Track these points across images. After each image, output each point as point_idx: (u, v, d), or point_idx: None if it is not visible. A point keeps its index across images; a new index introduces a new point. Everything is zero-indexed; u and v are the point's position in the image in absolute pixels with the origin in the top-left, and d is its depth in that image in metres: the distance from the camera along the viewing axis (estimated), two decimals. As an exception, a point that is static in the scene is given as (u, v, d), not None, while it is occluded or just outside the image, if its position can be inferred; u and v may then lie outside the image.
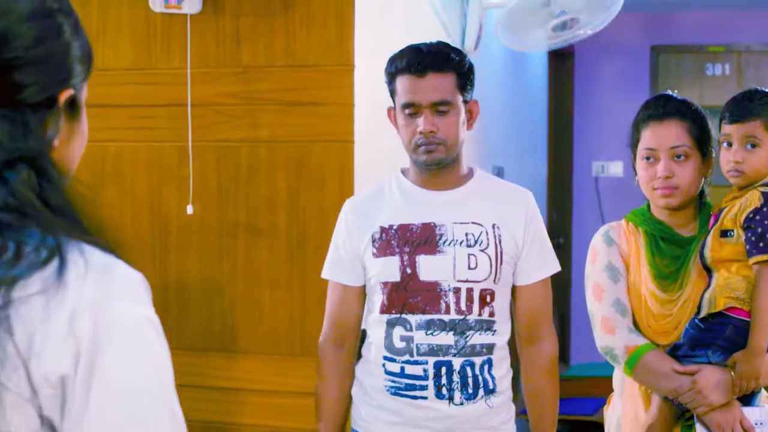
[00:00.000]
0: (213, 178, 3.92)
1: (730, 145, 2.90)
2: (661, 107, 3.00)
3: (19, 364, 1.15)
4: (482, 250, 2.89)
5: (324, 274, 3.09)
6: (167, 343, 1.37)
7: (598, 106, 8.47)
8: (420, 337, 2.88)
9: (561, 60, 8.34)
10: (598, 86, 8.52)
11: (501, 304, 2.94)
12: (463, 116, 2.92)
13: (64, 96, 1.33)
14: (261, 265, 3.87)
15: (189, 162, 3.90)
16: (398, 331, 2.91)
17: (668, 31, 8.49)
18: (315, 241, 3.79)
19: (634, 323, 2.98)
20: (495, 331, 2.92)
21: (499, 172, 6.05)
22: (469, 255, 2.88)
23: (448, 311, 2.87)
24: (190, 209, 3.87)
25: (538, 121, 7.89)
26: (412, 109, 2.88)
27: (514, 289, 3.00)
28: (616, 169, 8.38)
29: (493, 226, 2.92)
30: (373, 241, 2.95)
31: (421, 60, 2.86)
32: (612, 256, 3.02)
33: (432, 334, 2.87)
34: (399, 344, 2.91)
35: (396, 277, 2.90)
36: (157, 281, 3.96)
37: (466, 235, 2.90)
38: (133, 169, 4.01)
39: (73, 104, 1.35)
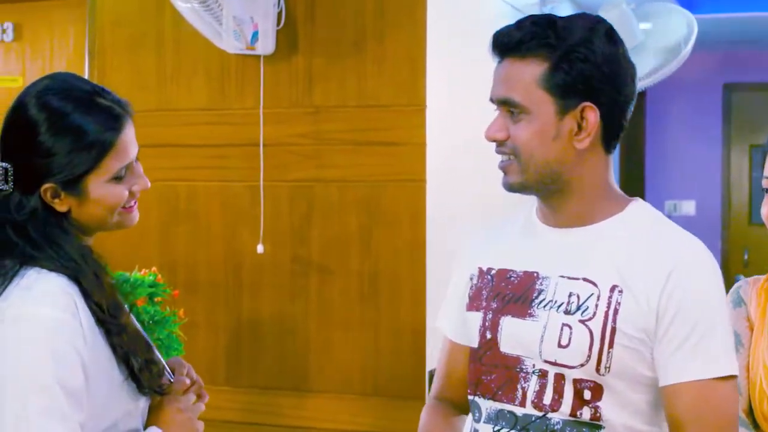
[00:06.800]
0: (285, 217, 3.93)
1: None
2: None
3: None
4: (583, 321, 1.92)
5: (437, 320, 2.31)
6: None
7: (670, 144, 8.40)
8: None
9: (632, 98, 8.29)
10: (670, 125, 8.45)
11: (619, 408, 1.94)
12: (554, 126, 1.95)
13: (45, 186, 1.93)
14: (333, 304, 3.87)
15: (260, 201, 3.92)
16: (470, 421, 2.10)
17: (740, 69, 8.40)
18: (387, 280, 3.78)
19: (749, 410, 2.21)
20: None
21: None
22: (562, 326, 1.93)
23: (523, 402, 1.97)
24: (260, 248, 3.88)
25: (609, 160, 7.84)
26: (495, 105, 2.03)
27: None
28: (688, 207, 8.29)
29: (613, 289, 1.92)
30: (470, 287, 2.13)
31: (500, 36, 1.99)
32: (737, 320, 2.23)
33: (499, 431, 2.01)
34: None
35: (475, 341, 2.06)
36: (230, 320, 3.98)
37: (570, 296, 1.95)
38: (207, 208, 4.04)
39: (71, 187, 1.94)
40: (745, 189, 8.42)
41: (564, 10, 5.69)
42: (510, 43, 1.95)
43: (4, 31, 4.99)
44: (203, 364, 3.82)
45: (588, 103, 1.94)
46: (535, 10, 5.07)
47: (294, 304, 3.91)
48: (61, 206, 1.96)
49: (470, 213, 4.19)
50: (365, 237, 3.83)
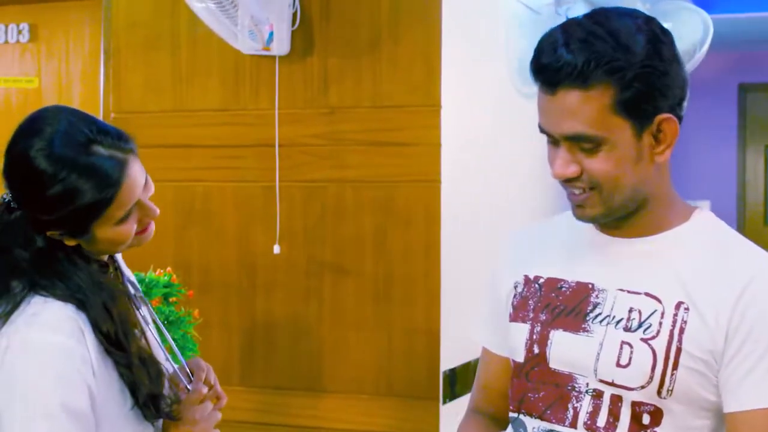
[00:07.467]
0: (299, 218, 3.93)
1: None
2: None
3: None
4: (645, 340, 1.79)
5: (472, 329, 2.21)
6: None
7: (684, 144, 8.38)
8: None
9: (647, 99, 8.29)
10: (684, 125, 8.36)
11: None
12: (634, 148, 1.80)
13: (51, 233, 1.95)
14: (347, 305, 3.87)
15: (276, 202, 3.92)
16: None
17: (756, 69, 8.39)
18: (401, 281, 3.78)
19: None
20: None
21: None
22: (622, 343, 1.80)
23: (574, 424, 1.83)
24: (276, 249, 3.89)
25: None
26: (549, 136, 1.85)
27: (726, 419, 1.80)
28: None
29: (678, 306, 1.79)
30: (514, 296, 2.00)
31: (551, 65, 1.77)
32: None
33: None
34: None
35: (520, 355, 1.94)
36: (243, 320, 3.99)
37: (630, 311, 1.82)
38: (221, 209, 4.04)
39: (78, 235, 1.96)
40: (761, 189, 8.40)
41: (579, 9, 5.68)
42: (571, 74, 1.75)
43: (20, 32, 5.02)
44: (217, 364, 3.80)
45: (665, 116, 1.82)
46: (551, 11, 5.06)
47: (308, 305, 3.91)
48: (69, 242, 1.99)
49: (485, 214, 4.18)
50: (380, 237, 3.82)
